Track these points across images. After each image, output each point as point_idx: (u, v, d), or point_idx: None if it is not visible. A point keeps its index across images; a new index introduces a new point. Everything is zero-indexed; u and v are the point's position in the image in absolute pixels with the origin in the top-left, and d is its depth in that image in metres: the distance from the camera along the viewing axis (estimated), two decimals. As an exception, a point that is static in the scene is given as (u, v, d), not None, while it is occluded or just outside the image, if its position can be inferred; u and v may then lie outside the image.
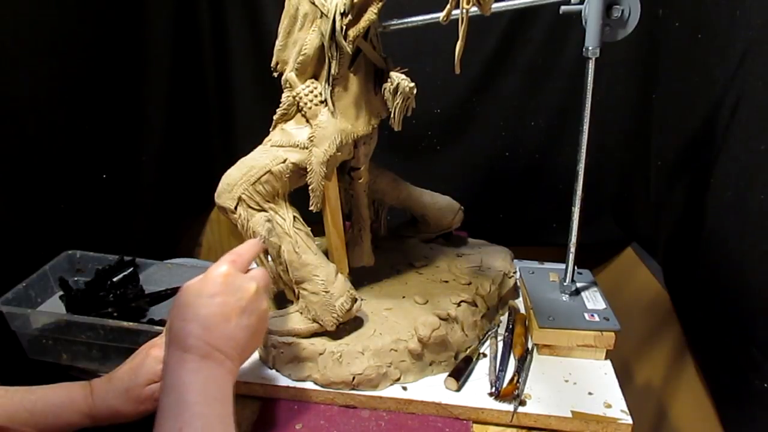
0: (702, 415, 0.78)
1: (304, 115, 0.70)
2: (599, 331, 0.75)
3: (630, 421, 0.66)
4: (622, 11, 0.69)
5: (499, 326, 0.82)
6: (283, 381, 0.70)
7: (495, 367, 0.73)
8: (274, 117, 0.73)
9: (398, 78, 0.71)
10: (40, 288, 1.06)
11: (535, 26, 1.09)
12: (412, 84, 0.71)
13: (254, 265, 0.68)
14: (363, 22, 0.65)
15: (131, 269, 1.14)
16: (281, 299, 0.76)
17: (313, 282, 0.69)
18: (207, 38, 1.26)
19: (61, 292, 1.08)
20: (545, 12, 1.06)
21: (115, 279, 1.11)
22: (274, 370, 0.72)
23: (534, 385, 0.71)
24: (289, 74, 0.70)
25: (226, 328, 0.55)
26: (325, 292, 0.69)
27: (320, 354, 0.69)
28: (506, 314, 0.85)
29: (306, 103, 0.69)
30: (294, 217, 0.70)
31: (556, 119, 1.15)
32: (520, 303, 0.88)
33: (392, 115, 0.72)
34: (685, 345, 0.87)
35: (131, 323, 0.97)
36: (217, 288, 0.56)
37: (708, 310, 0.79)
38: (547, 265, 0.96)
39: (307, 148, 0.69)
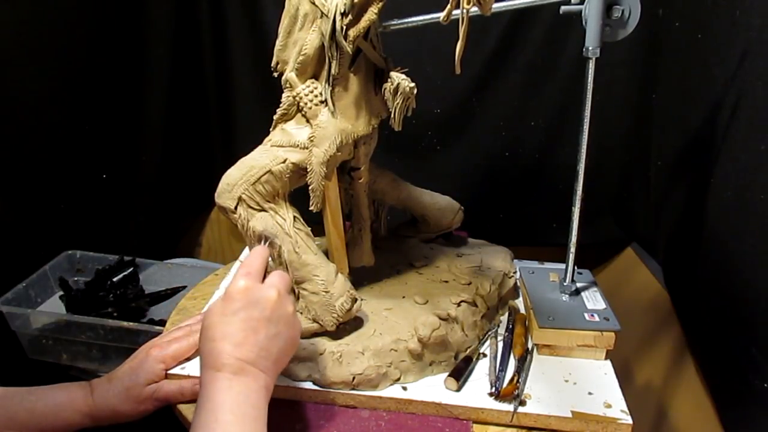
0: (702, 415, 0.78)
1: (304, 115, 0.70)
2: (599, 331, 0.75)
3: (630, 421, 0.66)
4: (623, 11, 0.69)
5: (499, 326, 0.82)
6: (283, 381, 0.70)
7: (495, 367, 0.73)
8: (274, 117, 0.73)
9: (398, 78, 0.71)
10: (40, 288, 1.07)
11: (535, 26, 1.09)
12: (413, 84, 0.71)
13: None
14: (363, 22, 0.65)
15: (131, 269, 1.14)
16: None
17: (313, 282, 0.69)
18: (207, 38, 1.26)
19: (61, 292, 1.08)
20: (545, 12, 1.06)
21: (115, 279, 1.11)
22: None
23: (534, 385, 0.71)
24: (289, 74, 0.70)
25: (256, 341, 0.55)
26: (325, 292, 0.69)
27: (320, 354, 0.69)
28: (506, 314, 0.85)
29: (306, 103, 0.69)
30: (294, 217, 0.70)
31: (556, 119, 1.15)
32: (520, 303, 0.88)
33: (392, 115, 0.72)
34: (685, 345, 0.87)
35: (131, 323, 0.97)
36: (239, 304, 0.56)
37: (708, 310, 0.79)
38: (547, 265, 0.96)
39: (307, 148, 0.69)
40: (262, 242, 0.68)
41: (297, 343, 0.61)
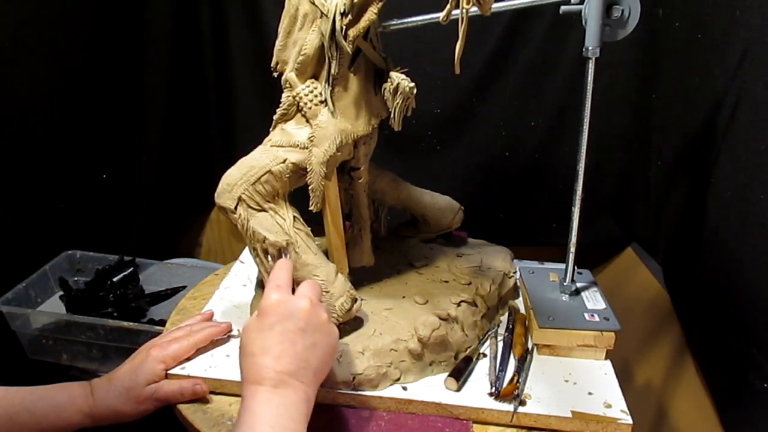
0: (702, 415, 0.78)
1: (304, 115, 0.70)
2: (599, 331, 0.75)
3: (630, 421, 0.66)
4: (622, 11, 0.69)
5: (499, 326, 0.81)
6: (283, 381, 0.70)
7: (495, 367, 0.73)
8: (274, 117, 0.73)
9: (398, 78, 0.71)
10: (40, 288, 1.07)
11: (535, 26, 1.09)
12: (412, 84, 0.71)
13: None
14: (363, 22, 0.65)
15: (131, 269, 1.14)
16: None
17: (313, 282, 0.69)
18: (207, 38, 1.26)
19: (61, 292, 1.08)
20: (545, 12, 1.06)
21: (115, 279, 1.11)
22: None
23: (534, 385, 0.71)
24: (289, 74, 0.70)
25: (294, 352, 0.56)
26: (325, 292, 0.69)
27: (320, 354, 0.69)
28: (506, 314, 0.85)
29: (306, 103, 0.69)
30: (294, 217, 0.70)
31: (556, 119, 1.15)
32: (520, 303, 0.88)
33: (392, 115, 0.72)
34: (685, 345, 0.87)
35: (131, 323, 0.97)
36: (274, 318, 0.56)
37: (708, 310, 0.79)
38: (547, 265, 0.96)
39: (307, 148, 0.69)
40: (282, 255, 0.68)
41: (335, 350, 0.61)
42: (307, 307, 0.58)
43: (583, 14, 0.70)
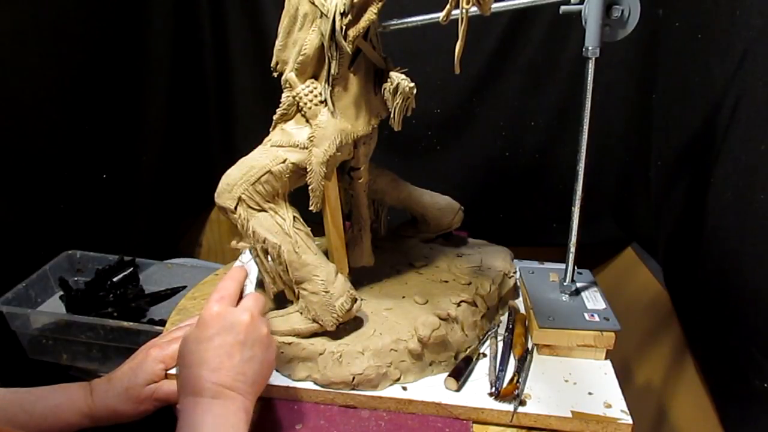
0: (702, 415, 0.78)
1: (304, 115, 0.70)
2: (599, 331, 0.75)
3: (630, 421, 0.66)
4: (622, 11, 0.69)
5: (499, 326, 0.81)
6: (283, 381, 0.70)
7: (495, 367, 0.73)
8: (274, 117, 0.73)
9: (398, 78, 0.71)
10: (40, 288, 1.07)
11: (535, 26, 1.09)
12: (412, 84, 0.71)
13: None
14: (363, 22, 0.65)
15: (131, 269, 1.14)
16: (281, 299, 0.76)
17: (313, 282, 0.69)
18: (207, 38, 1.26)
19: (61, 292, 1.08)
20: (545, 12, 1.06)
21: (115, 279, 1.11)
22: (274, 370, 0.72)
23: (534, 385, 0.71)
24: (289, 74, 0.70)
25: (231, 365, 0.56)
26: (325, 292, 0.69)
27: (320, 354, 0.69)
28: (506, 314, 0.85)
29: (306, 103, 0.69)
30: (294, 217, 0.70)
31: (556, 119, 1.15)
32: (520, 303, 0.88)
33: (392, 115, 0.72)
34: (685, 345, 0.87)
35: (131, 323, 0.97)
36: (213, 330, 0.57)
37: (708, 310, 0.79)
38: (547, 265, 0.96)
39: (307, 148, 0.69)
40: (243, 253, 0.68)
41: (273, 364, 0.62)
42: (247, 320, 0.58)
43: (583, 14, 0.70)
